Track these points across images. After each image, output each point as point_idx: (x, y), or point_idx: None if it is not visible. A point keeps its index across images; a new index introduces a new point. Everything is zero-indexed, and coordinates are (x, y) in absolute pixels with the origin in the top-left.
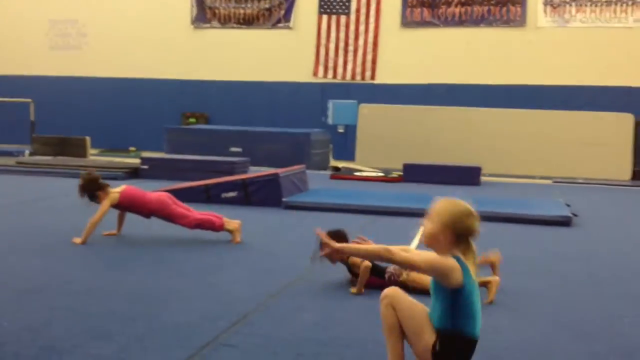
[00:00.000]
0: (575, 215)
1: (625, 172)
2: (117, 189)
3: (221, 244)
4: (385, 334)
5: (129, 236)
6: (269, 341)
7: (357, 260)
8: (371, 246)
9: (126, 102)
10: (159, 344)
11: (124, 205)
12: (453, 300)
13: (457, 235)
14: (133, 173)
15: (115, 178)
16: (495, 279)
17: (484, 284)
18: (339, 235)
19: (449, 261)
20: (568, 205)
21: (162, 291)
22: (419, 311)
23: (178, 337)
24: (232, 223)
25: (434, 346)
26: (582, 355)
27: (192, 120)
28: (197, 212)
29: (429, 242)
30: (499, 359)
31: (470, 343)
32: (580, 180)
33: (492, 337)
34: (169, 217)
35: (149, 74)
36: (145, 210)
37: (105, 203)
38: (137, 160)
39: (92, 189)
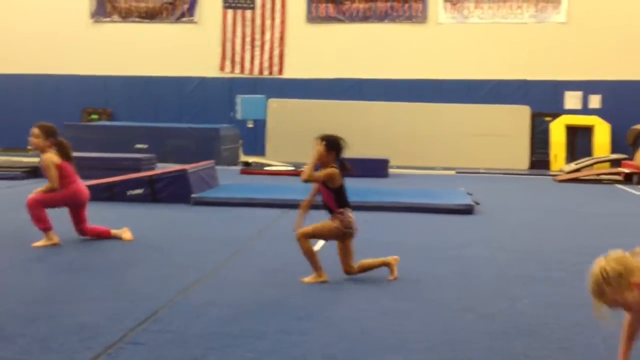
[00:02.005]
0: (477, 203)
1: (523, 161)
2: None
3: (124, 243)
4: None
5: (31, 237)
6: (178, 337)
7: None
8: None
9: (24, 99)
10: (63, 344)
11: (59, 173)
12: None
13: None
14: (32, 172)
15: (13, 178)
16: (394, 257)
17: (386, 264)
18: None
19: None
20: (470, 194)
21: (66, 291)
22: None
23: (83, 338)
24: (119, 231)
25: None
26: (484, 335)
27: (94, 116)
28: None
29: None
30: (405, 342)
31: None
32: (481, 171)
33: (399, 322)
34: (81, 215)
35: (47, 69)
36: (72, 193)
37: (51, 158)
38: (36, 159)
39: (54, 134)
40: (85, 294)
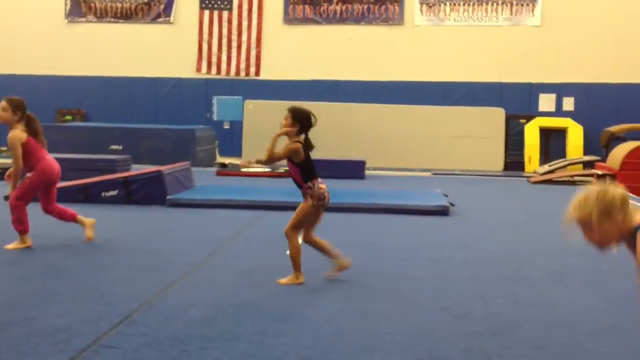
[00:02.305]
0: (452, 204)
1: (498, 163)
2: None
3: (98, 245)
4: None
5: (1, 240)
6: (153, 340)
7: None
8: None
9: None
10: (36, 348)
11: (26, 150)
12: None
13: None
14: (2, 174)
15: None
16: (348, 262)
17: (336, 262)
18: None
19: None
20: (446, 196)
21: (39, 294)
22: None
23: (56, 341)
24: (86, 220)
25: None
26: (460, 335)
27: (68, 117)
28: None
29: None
30: (381, 343)
31: None
32: (457, 172)
33: (375, 323)
34: (51, 192)
35: (20, 69)
36: (42, 170)
37: (18, 136)
38: (8, 160)
39: (23, 108)
40: (58, 297)
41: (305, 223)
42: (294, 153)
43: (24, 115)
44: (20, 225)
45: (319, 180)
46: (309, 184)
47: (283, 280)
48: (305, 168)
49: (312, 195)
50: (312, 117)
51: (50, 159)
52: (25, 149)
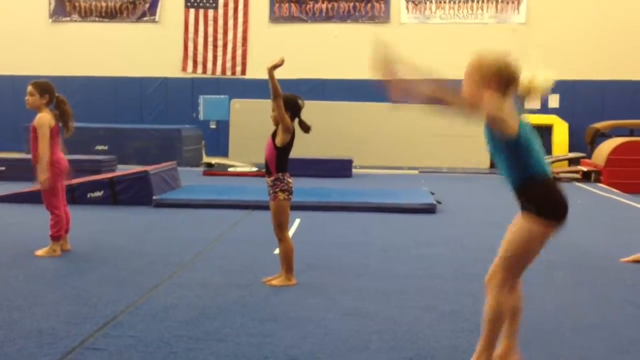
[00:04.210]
0: (439, 202)
1: (484, 161)
2: None
3: (84, 247)
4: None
5: None
6: (139, 342)
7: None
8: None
9: None
10: (21, 351)
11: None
12: (515, 152)
13: (503, 83)
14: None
15: None
16: (293, 283)
17: (285, 272)
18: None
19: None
20: (432, 194)
21: (22, 297)
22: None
23: (41, 343)
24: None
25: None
26: (447, 332)
27: None
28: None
29: (474, 104)
30: (369, 342)
31: (549, 181)
32: (444, 170)
33: (362, 322)
34: (60, 188)
35: (4, 70)
36: (55, 161)
37: (48, 118)
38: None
39: (50, 91)
40: (43, 299)
41: (283, 219)
42: (286, 122)
43: (53, 98)
44: (53, 228)
45: (288, 175)
46: (280, 175)
47: (274, 282)
48: (283, 153)
49: (282, 190)
50: (299, 100)
51: (61, 154)
52: (49, 133)
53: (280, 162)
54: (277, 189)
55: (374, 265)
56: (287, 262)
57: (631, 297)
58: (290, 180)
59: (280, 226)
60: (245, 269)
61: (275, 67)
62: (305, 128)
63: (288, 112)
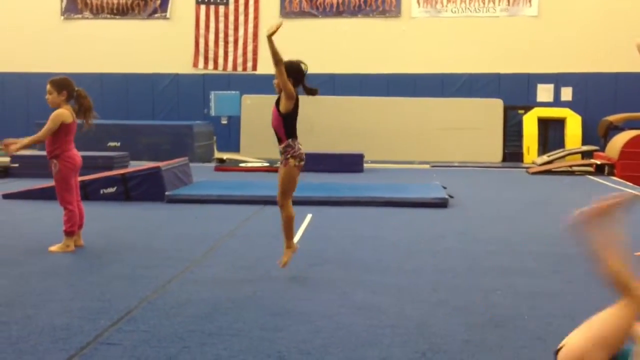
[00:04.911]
0: (451, 196)
1: (496, 154)
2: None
3: (97, 243)
4: None
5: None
6: (153, 336)
7: None
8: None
9: None
10: (35, 347)
11: (65, 131)
12: None
13: None
14: (3, 172)
15: None
16: (295, 249)
17: (288, 247)
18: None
19: None
20: (444, 188)
21: (37, 293)
22: None
23: (55, 339)
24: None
25: None
26: (459, 327)
27: None
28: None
29: None
30: (381, 337)
31: None
32: (455, 164)
33: (374, 316)
34: (74, 184)
35: (16, 67)
36: (66, 158)
37: (63, 115)
38: (6, 159)
39: (68, 87)
40: (57, 295)
41: (292, 186)
42: (289, 89)
43: (72, 93)
44: (67, 224)
45: (297, 141)
46: (290, 141)
47: (284, 259)
48: (290, 120)
49: (293, 156)
50: (302, 65)
51: (75, 151)
52: (65, 129)
53: (288, 128)
54: (289, 155)
55: (386, 260)
56: (286, 229)
57: None
58: (300, 146)
59: (284, 193)
60: (258, 263)
61: (273, 33)
62: (311, 92)
63: (290, 78)
